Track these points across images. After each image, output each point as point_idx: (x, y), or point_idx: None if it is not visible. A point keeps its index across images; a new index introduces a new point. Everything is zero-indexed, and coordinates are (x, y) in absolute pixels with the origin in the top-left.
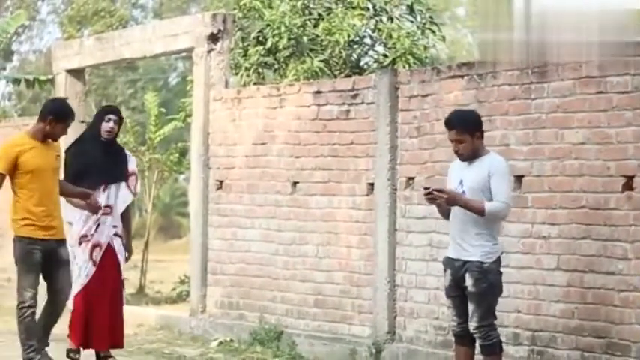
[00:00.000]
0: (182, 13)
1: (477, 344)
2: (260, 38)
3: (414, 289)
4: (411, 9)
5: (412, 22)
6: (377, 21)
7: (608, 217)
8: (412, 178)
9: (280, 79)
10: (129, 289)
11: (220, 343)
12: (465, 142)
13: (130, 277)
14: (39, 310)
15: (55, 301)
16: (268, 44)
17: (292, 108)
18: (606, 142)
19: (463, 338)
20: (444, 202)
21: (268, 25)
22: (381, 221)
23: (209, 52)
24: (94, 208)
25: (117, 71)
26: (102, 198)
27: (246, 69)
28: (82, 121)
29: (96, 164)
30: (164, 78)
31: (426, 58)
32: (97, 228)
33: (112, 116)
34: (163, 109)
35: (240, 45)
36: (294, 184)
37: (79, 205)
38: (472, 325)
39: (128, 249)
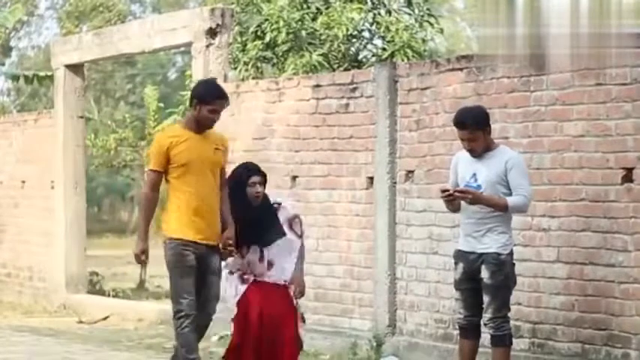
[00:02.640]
0: (180, 8)
1: (486, 336)
2: (259, 32)
3: (414, 283)
4: (408, 2)
5: (410, 14)
6: (375, 14)
7: (607, 209)
8: (411, 171)
9: (279, 73)
10: (128, 284)
11: (220, 337)
12: (479, 139)
13: (130, 272)
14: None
15: (198, 315)
16: (267, 38)
17: (291, 102)
18: (605, 134)
19: (468, 331)
20: (467, 201)
21: (267, 19)
22: (380, 214)
23: (208, 46)
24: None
25: (116, 66)
26: (254, 256)
27: (245, 63)
28: (81, 117)
29: (246, 231)
30: (163, 73)
31: (425, 51)
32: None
33: (255, 179)
34: (162, 104)
35: (239, 39)
36: (294, 177)
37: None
38: (486, 316)
39: (299, 282)
